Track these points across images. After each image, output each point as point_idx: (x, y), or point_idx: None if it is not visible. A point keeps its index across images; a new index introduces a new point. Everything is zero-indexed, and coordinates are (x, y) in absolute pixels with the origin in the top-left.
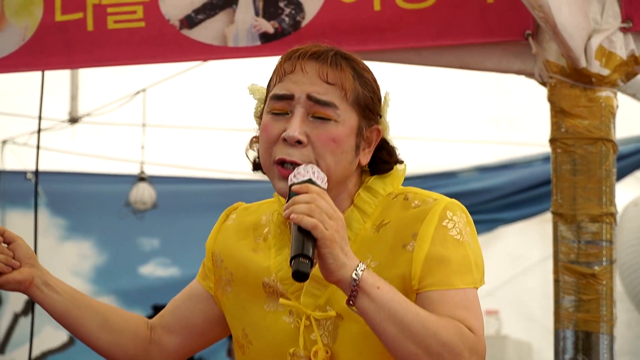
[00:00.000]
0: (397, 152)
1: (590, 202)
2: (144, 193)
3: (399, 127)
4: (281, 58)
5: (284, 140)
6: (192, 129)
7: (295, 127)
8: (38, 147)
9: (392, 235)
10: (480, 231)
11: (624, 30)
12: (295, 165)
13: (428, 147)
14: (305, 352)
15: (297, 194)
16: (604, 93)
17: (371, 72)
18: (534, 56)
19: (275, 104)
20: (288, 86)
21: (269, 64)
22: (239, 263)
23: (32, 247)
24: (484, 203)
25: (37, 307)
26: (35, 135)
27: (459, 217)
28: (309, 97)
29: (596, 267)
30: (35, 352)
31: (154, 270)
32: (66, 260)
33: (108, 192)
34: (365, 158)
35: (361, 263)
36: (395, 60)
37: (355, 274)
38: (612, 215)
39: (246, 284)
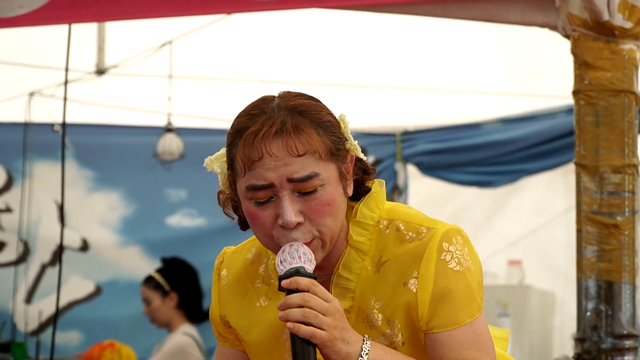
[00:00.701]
0: (365, 161)
1: (613, 154)
2: (171, 144)
3: (425, 79)
4: (239, 141)
5: (281, 226)
6: (219, 81)
7: (290, 212)
8: (65, 99)
9: (392, 274)
10: (503, 182)
11: None
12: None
13: (452, 99)
14: None
15: (288, 289)
16: (627, 46)
17: (322, 107)
18: (557, 9)
19: (256, 194)
20: (263, 174)
21: (292, 16)
22: (250, 326)
23: (60, 199)
24: (508, 154)
25: (65, 258)
26: (62, 87)
27: (455, 244)
28: (290, 180)
29: (618, 218)
30: (62, 302)
31: (181, 220)
32: (94, 212)
33: (135, 144)
34: (350, 189)
35: (365, 343)
36: (421, 14)
37: None
38: (635, 166)
39: (261, 342)
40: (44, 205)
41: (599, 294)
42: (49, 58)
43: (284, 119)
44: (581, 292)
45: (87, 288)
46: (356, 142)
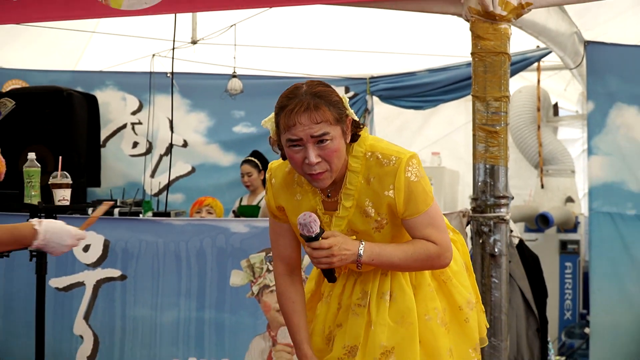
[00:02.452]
0: (358, 120)
1: (495, 89)
2: (235, 84)
3: (384, 46)
4: (282, 114)
5: (307, 163)
6: (264, 47)
7: (312, 156)
8: (173, 58)
9: (377, 186)
10: (429, 106)
11: None
12: (320, 173)
13: (400, 58)
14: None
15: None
16: (503, 25)
17: (334, 92)
18: (462, 4)
19: (292, 143)
20: (296, 133)
21: (305, 9)
22: (293, 209)
23: (170, 116)
24: (432, 90)
25: (173, 151)
26: (171, 51)
27: (413, 165)
28: (312, 137)
29: (497, 127)
30: (172, 176)
31: (241, 129)
32: (190, 124)
33: (215, 84)
34: (348, 138)
35: (360, 249)
36: (384, 7)
37: (358, 260)
38: (507, 97)
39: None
40: (161, 120)
41: (486, 172)
42: (163, 33)
43: (309, 101)
44: (475, 171)
45: (187, 168)
46: (352, 110)
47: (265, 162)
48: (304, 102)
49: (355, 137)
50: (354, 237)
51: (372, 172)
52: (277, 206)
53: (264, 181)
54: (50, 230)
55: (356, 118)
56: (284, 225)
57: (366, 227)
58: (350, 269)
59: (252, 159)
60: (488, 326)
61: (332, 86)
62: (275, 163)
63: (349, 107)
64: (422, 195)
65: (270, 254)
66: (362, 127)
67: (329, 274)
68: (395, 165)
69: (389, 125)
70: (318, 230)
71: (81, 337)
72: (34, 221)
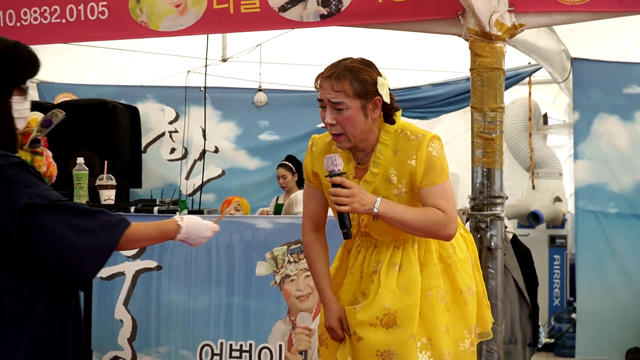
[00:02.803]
0: (394, 103)
1: (491, 101)
2: (261, 97)
3: (392, 64)
4: (316, 77)
5: (326, 122)
6: (285, 64)
7: (328, 117)
8: (205, 74)
9: (403, 157)
10: (433, 117)
11: (509, 11)
12: (337, 134)
13: (405, 73)
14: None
15: (334, 184)
16: (499, 44)
17: (368, 72)
18: (462, 25)
19: (320, 103)
20: (320, 95)
21: (323, 30)
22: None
23: (203, 125)
24: (435, 102)
25: (206, 156)
26: (204, 68)
27: (435, 143)
28: (329, 101)
29: (494, 135)
30: (205, 178)
31: (266, 137)
32: (222, 132)
33: (242, 97)
34: (375, 115)
35: (377, 202)
36: (391, 29)
37: (375, 212)
38: (502, 108)
39: (328, 185)
40: (195, 129)
41: (483, 174)
42: (197, 52)
43: (336, 71)
44: (474, 174)
45: (217, 171)
46: (385, 94)
47: (298, 165)
48: (332, 70)
49: (388, 115)
50: None
51: (399, 145)
52: (312, 171)
53: (297, 182)
54: (192, 225)
55: (387, 101)
56: (316, 190)
57: (388, 193)
58: (368, 235)
59: (287, 163)
60: (493, 321)
61: None
62: (318, 135)
63: (385, 90)
64: (439, 169)
65: (291, 247)
66: (396, 109)
67: (344, 221)
68: (420, 140)
69: None
70: (341, 169)
71: (121, 321)
72: (177, 218)
